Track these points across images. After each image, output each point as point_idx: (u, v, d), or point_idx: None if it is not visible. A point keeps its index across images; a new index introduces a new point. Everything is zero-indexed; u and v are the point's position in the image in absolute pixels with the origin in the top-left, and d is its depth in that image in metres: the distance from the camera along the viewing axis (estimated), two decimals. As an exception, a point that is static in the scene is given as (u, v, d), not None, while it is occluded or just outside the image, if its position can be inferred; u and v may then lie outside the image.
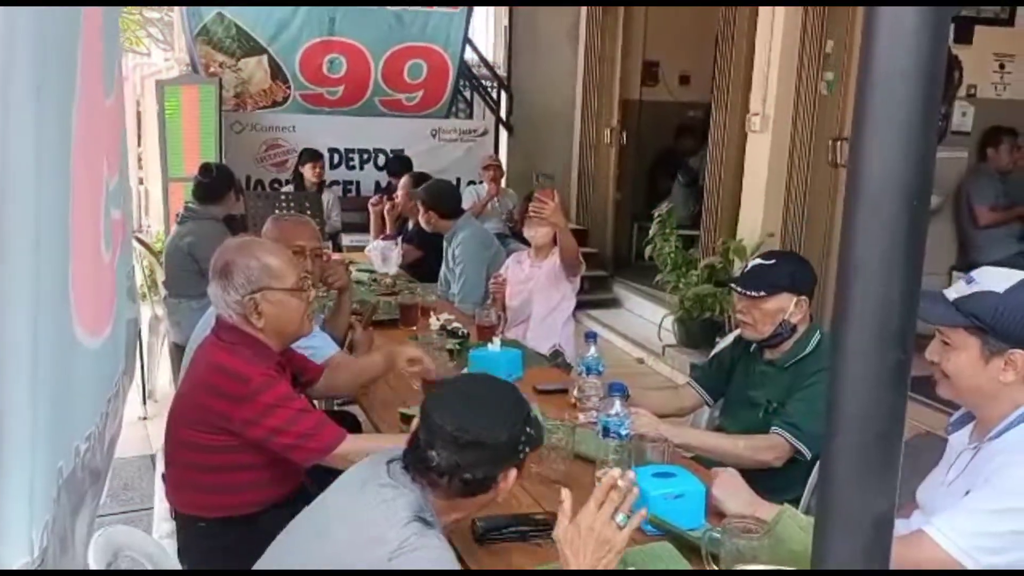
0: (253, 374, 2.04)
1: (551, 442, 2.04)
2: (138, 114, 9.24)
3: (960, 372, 1.66)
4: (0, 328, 1.22)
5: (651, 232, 5.96)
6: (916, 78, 0.64)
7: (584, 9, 7.93)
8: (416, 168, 6.87)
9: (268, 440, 2.04)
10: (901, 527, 1.66)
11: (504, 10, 8.37)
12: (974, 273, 1.69)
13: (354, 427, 2.94)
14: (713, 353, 2.93)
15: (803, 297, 2.43)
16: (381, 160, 7.47)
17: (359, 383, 2.67)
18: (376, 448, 2.18)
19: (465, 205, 6.25)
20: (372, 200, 5.54)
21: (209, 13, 6.87)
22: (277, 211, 4.87)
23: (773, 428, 2.34)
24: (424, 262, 4.88)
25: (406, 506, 1.46)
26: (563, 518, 1.48)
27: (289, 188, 6.69)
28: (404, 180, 5.38)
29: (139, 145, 9.33)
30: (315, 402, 2.79)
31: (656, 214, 5.98)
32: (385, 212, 5.33)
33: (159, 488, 2.59)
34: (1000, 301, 1.61)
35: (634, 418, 2.13)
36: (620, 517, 1.44)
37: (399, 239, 4.87)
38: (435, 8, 7.38)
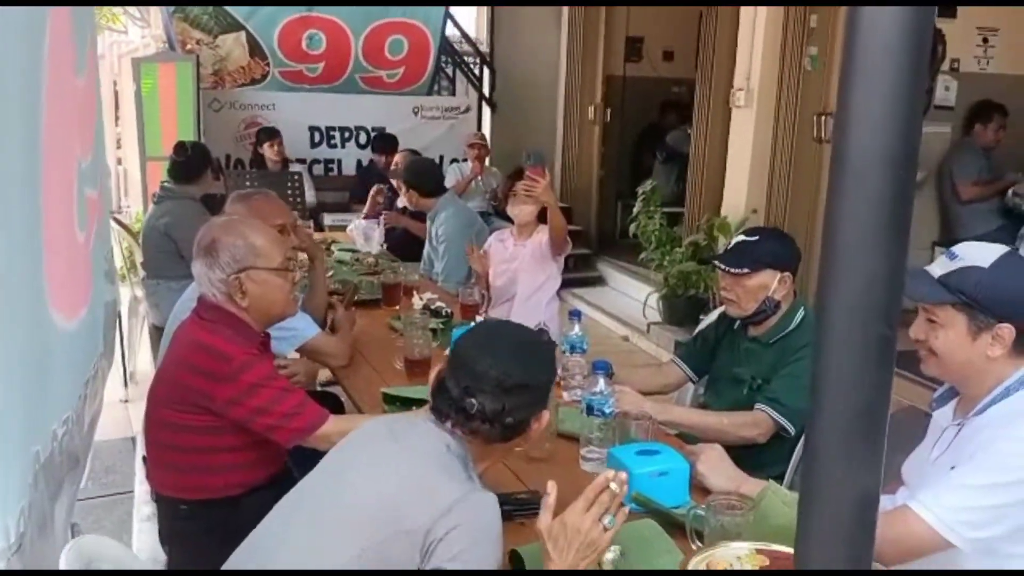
0: (235, 353, 2.02)
1: (535, 421, 2.03)
2: (115, 93, 9.11)
3: (948, 349, 1.66)
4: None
5: (635, 210, 5.95)
6: (901, 51, 0.62)
7: (567, -16, 7.87)
8: (401, 145, 6.82)
9: (250, 420, 2.02)
10: (887, 503, 1.67)
11: (486, -15, 8.29)
12: (956, 249, 1.69)
13: (336, 407, 2.93)
14: (697, 330, 2.92)
15: (787, 273, 2.43)
16: (363, 138, 7.41)
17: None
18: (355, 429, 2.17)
19: (449, 183, 6.21)
20: (373, 191, 5.36)
21: (186, -11, 6.76)
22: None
23: (757, 405, 2.34)
24: (408, 242, 4.85)
25: (455, 458, 1.47)
26: (547, 513, 1.45)
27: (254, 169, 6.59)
28: (399, 158, 5.35)
29: (117, 124, 9.21)
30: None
31: (640, 191, 5.97)
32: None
33: (139, 470, 2.57)
34: (986, 276, 1.61)
35: (618, 396, 2.12)
36: (608, 519, 1.43)
37: (381, 219, 4.83)
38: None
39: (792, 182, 5.24)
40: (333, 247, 4.76)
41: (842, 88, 0.65)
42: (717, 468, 1.86)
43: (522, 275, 3.77)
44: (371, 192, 5.18)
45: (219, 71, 7.05)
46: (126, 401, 4.45)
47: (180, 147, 4.58)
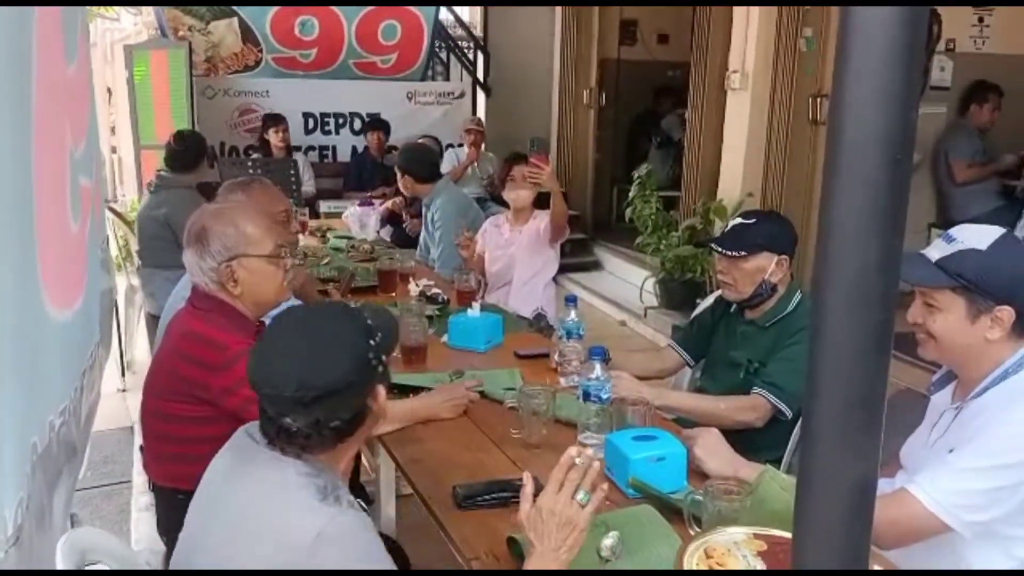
0: (230, 342, 2.01)
1: (532, 407, 2.03)
2: (109, 82, 9.05)
3: (948, 333, 1.65)
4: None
5: (631, 194, 5.93)
6: (897, 31, 0.62)
7: (561, -33, 7.82)
8: (393, 131, 6.82)
9: (244, 410, 2.01)
10: (885, 486, 1.67)
11: (480, -31, 8.24)
12: (952, 231, 1.68)
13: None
14: (694, 315, 2.92)
15: (783, 256, 2.42)
16: (357, 124, 7.38)
17: None
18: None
19: (445, 169, 6.22)
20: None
21: (177, -25, 6.72)
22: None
23: (754, 389, 2.34)
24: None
25: (303, 480, 1.34)
26: (525, 502, 1.43)
27: (258, 155, 6.59)
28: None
29: (111, 112, 9.15)
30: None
31: (636, 176, 5.95)
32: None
33: (137, 460, 2.57)
34: (985, 258, 1.60)
35: (615, 381, 2.12)
36: (581, 495, 1.40)
37: (377, 205, 4.83)
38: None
39: (788, 165, 5.23)
40: (329, 234, 4.75)
41: (837, 70, 0.64)
42: (714, 453, 1.86)
43: (519, 260, 3.77)
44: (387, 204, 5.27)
45: (212, 58, 7.01)
46: (123, 391, 4.45)
47: (179, 136, 4.56)
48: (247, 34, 7.03)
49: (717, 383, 2.56)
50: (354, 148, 7.30)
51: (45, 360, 1.74)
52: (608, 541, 1.52)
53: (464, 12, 8.45)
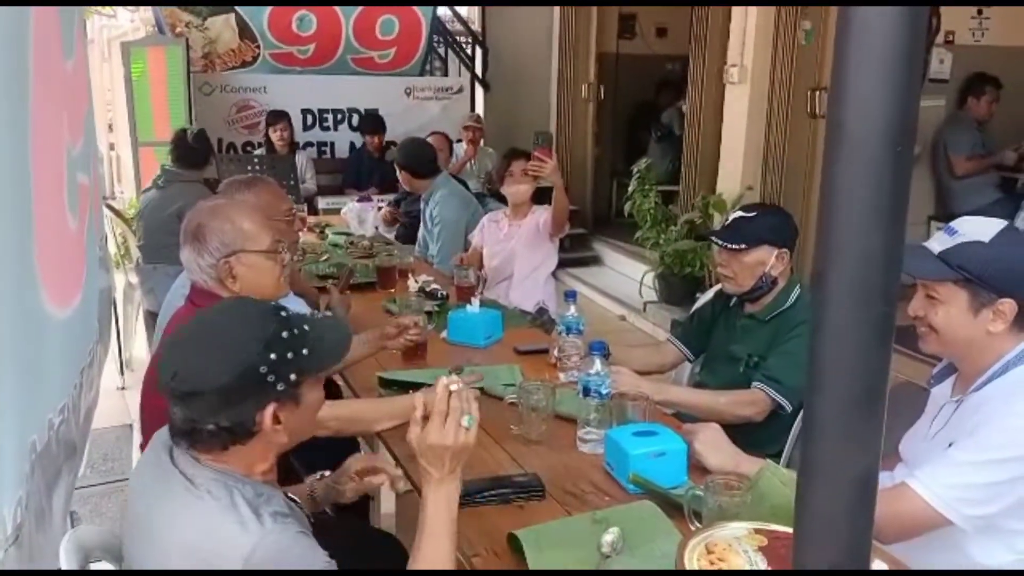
0: None
1: (531, 403, 2.03)
2: (107, 79, 9.04)
3: (950, 326, 1.65)
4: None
5: (630, 188, 5.92)
6: (897, 23, 0.61)
7: (559, -38, 7.80)
8: (390, 127, 6.80)
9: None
10: (885, 480, 1.67)
11: (477, -36, 8.22)
12: (954, 224, 1.67)
13: (332, 391, 2.92)
14: (693, 309, 2.92)
15: (784, 250, 2.42)
16: (355, 120, 7.37)
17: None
18: (353, 415, 2.16)
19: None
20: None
21: (174, -29, 6.70)
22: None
23: (754, 383, 2.34)
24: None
25: (221, 493, 1.30)
26: (415, 426, 1.44)
27: (261, 151, 6.58)
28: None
29: (108, 109, 9.14)
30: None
31: (635, 170, 5.94)
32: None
33: (136, 459, 2.56)
34: (987, 251, 1.60)
35: (614, 376, 2.11)
36: (466, 420, 1.43)
37: (375, 201, 4.83)
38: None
39: (787, 158, 5.22)
40: (327, 230, 4.74)
41: (836, 63, 0.64)
42: (714, 447, 1.85)
43: (519, 255, 3.77)
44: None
45: (209, 54, 7.00)
46: (123, 388, 4.44)
47: (196, 134, 4.58)
48: (244, 30, 7.02)
49: (717, 377, 2.55)
50: (352, 144, 7.28)
51: (44, 358, 1.74)
52: (608, 537, 1.52)
53: (462, 7, 8.44)
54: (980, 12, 5.63)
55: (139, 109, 6.26)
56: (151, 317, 4.15)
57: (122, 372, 4.55)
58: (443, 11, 7.90)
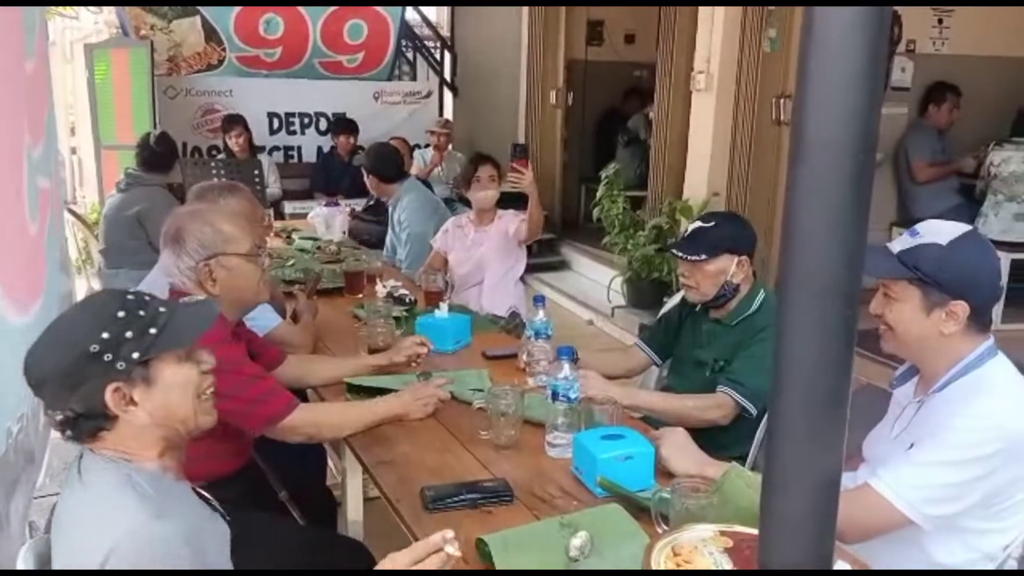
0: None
1: (500, 408, 2.03)
2: (69, 82, 8.90)
3: (903, 324, 1.68)
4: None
5: (599, 194, 5.95)
6: (860, 32, 0.62)
7: (527, -33, 7.82)
8: (361, 131, 6.76)
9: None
10: (848, 480, 1.69)
11: (446, -31, 8.21)
12: (919, 226, 1.71)
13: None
14: (661, 313, 2.94)
15: (744, 257, 2.45)
16: (323, 124, 7.33)
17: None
18: (326, 420, 2.15)
19: (414, 170, 6.19)
20: None
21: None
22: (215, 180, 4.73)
23: (720, 387, 2.36)
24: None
25: (116, 484, 1.30)
26: (391, 563, 1.36)
27: (223, 156, 6.50)
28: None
29: (70, 113, 9.00)
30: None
31: (603, 175, 5.97)
32: None
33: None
34: (943, 253, 1.63)
35: (583, 381, 2.12)
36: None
37: (342, 205, 4.80)
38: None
39: (752, 165, 5.27)
40: (294, 235, 4.70)
41: (800, 71, 0.64)
42: (681, 451, 1.87)
43: (490, 261, 3.77)
44: None
45: (174, 57, 6.93)
46: (85, 395, 4.36)
47: (159, 138, 4.54)
48: (210, 33, 6.96)
49: (684, 382, 2.57)
50: (319, 148, 7.24)
51: (2, 367, 1.70)
52: (576, 541, 1.52)
53: (431, 12, 8.43)
54: (940, 22, 5.73)
55: (102, 112, 6.17)
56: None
57: (84, 379, 4.46)
58: (412, 15, 7.88)
